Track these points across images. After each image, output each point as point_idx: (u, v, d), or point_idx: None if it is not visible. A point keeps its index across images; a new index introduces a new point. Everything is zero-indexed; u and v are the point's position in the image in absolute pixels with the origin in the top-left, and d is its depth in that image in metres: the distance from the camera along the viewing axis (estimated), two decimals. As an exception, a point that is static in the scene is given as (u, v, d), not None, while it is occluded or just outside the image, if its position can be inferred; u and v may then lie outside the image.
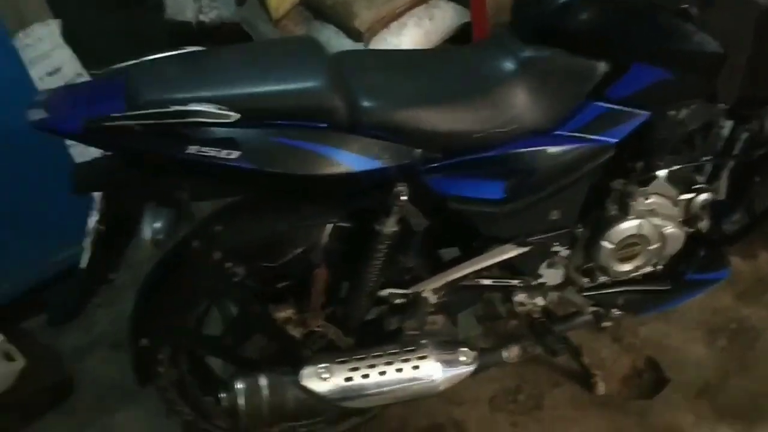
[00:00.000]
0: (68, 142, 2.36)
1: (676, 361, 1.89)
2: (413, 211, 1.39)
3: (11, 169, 2.02)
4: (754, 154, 1.57)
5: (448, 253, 1.62)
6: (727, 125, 1.54)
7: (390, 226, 1.38)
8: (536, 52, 1.36)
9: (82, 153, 2.55)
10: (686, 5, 1.12)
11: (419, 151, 1.32)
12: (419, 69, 1.42)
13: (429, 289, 1.50)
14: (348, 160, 1.27)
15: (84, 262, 1.39)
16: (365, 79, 1.33)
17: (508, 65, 1.37)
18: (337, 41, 2.84)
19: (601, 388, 1.83)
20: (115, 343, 2.20)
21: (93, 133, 1.18)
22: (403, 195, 1.34)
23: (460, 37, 2.97)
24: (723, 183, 1.63)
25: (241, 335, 1.54)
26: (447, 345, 1.51)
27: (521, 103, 1.34)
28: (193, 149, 1.20)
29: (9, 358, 2.02)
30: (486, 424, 1.84)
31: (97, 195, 1.41)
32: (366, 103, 1.29)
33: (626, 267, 1.58)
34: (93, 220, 1.38)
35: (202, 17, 3.51)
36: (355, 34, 2.82)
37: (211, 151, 1.20)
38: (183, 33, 3.48)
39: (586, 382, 1.86)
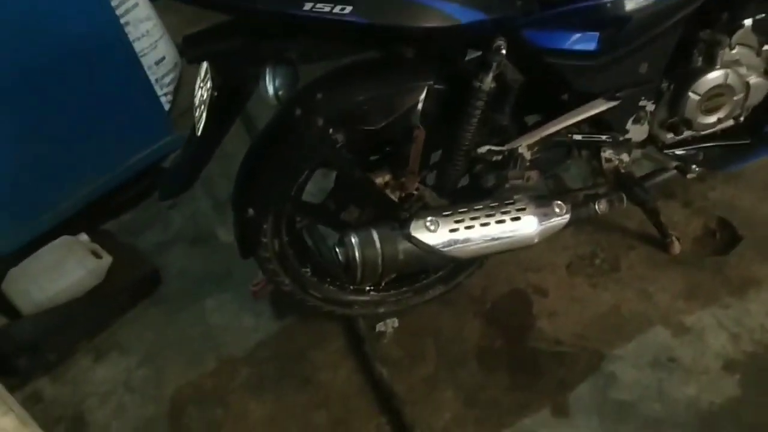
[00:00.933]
0: (137, 48, 2.39)
1: (748, 220, 1.95)
2: (510, 67, 1.43)
3: (85, 78, 2.06)
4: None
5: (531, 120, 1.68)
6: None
7: (488, 83, 1.42)
8: None
9: (149, 65, 2.59)
10: None
11: (520, 2, 1.36)
12: None
13: (524, 145, 1.55)
14: (455, 11, 1.30)
15: (199, 130, 1.44)
16: None
17: None
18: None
19: (676, 247, 1.90)
20: (195, 239, 2.29)
21: (212, -9, 1.22)
22: (502, 49, 1.38)
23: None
24: (803, 34, 1.66)
25: (342, 201, 1.61)
26: (542, 198, 1.58)
27: (617, -49, 1.37)
28: (308, 5, 1.24)
29: (96, 255, 2.11)
30: (565, 287, 1.92)
31: (204, 65, 1.46)
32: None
33: (711, 119, 1.63)
34: (204, 90, 1.44)
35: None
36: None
37: (325, 7, 1.24)
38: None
39: (661, 244, 1.93)
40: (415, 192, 1.58)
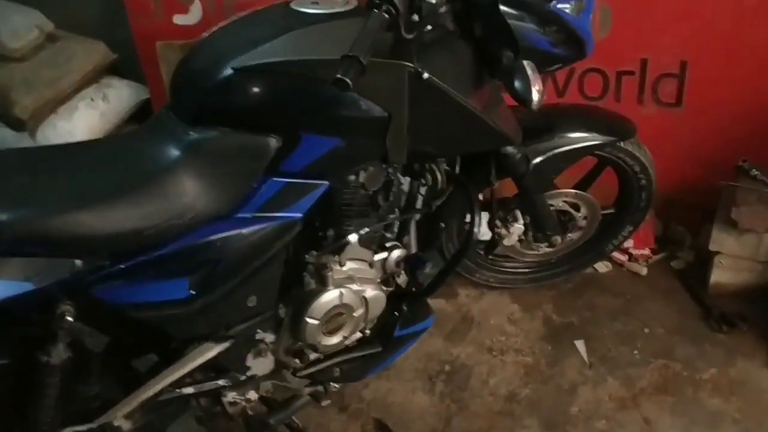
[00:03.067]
0: None
1: (403, 417, 1.88)
2: (86, 331, 1.20)
3: None
4: (433, 205, 1.62)
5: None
6: (406, 182, 1.57)
7: (59, 354, 1.16)
8: (201, 134, 1.25)
9: None
10: (340, 75, 1.09)
11: (79, 262, 1.14)
12: (68, 166, 1.23)
13: (120, 416, 1.29)
14: (-15, 286, 1.04)
15: None
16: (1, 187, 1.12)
17: (172, 151, 1.23)
18: (-5, 134, 2.50)
19: (335, 465, 1.76)
20: None
21: None
22: (68, 315, 1.14)
23: (140, 115, 2.79)
24: (412, 237, 1.67)
25: None
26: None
27: (193, 190, 1.22)
28: None
29: None
30: None
31: None
32: (3, 216, 1.07)
33: (335, 339, 1.53)
34: None
35: None
36: (17, 124, 2.52)
37: None
38: None
39: (320, 467, 1.77)
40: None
